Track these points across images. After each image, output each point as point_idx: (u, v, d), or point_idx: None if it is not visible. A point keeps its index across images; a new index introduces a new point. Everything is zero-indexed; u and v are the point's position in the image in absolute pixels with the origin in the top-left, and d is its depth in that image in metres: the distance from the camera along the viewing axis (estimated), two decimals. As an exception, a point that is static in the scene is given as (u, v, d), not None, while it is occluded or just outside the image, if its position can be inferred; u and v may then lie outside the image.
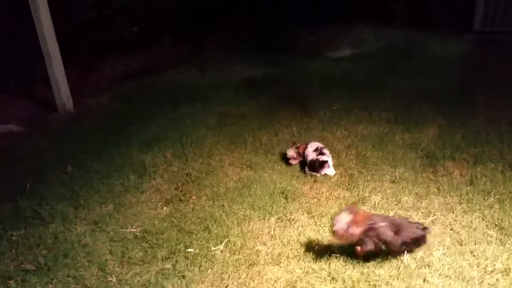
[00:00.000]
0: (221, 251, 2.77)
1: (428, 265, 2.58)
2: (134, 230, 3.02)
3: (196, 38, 8.18)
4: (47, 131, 4.84)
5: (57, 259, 2.75)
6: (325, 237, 2.84)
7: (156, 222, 3.09)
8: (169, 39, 8.00)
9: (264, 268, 2.62)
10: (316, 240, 2.83)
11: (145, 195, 3.45)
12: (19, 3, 5.33)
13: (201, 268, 2.64)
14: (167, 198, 3.40)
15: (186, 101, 5.36)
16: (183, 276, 2.58)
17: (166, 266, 2.67)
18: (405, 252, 2.62)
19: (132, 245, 2.86)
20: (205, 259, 2.70)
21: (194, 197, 3.38)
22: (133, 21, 7.64)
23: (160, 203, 3.34)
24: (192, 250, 2.78)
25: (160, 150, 4.13)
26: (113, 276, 2.61)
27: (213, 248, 2.79)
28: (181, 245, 2.82)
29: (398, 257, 2.61)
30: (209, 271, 2.62)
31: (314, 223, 3.00)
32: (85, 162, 3.98)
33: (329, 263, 2.61)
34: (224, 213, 3.13)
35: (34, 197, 3.45)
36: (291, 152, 3.77)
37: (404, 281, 2.47)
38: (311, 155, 3.64)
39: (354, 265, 2.59)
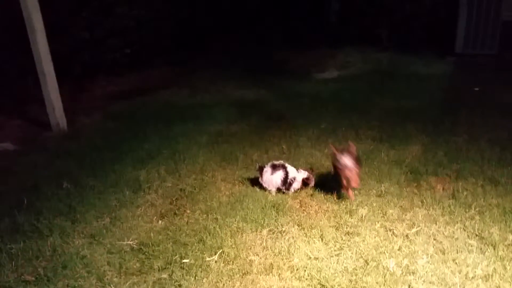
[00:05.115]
0: (216, 262, 2.87)
1: (413, 273, 2.70)
2: (131, 242, 3.10)
3: (187, 60, 8.39)
4: (42, 149, 4.91)
5: (56, 270, 2.81)
6: (315, 247, 2.97)
7: (152, 234, 3.18)
8: (161, 60, 8.19)
9: (257, 277, 2.72)
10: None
11: (140, 210, 3.55)
12: (15, 25, 5.48)
13: (196, 278, 2.73)
14: (162, 212, 3.50)
15: (179, 120, 5.51)
16: (180, 285, 2.67)
17: (162, 276, 2.76)
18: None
19: (129, 257, 2.95)
20: (200, 269, 2.79)
21: (188, 211, 3.49)
22: (125, 43, 7.83)
23: (155, 217, 3.43)
24: (187, 260, 2.87)
25: (154, 166, 4.25)
26: (111, 285, 2.68)
27: (207, 259, 2.89)
28: (176, 256, 2.91)
29: (384, 265, 2.76)
30: (204, 280, 2.71)
31: (305, 235, 3.12)
32: (81, 178, 4.07)
33: (320, 272, 2.73)
34: (217, 226, 3.23)
35: (32, 212, 3.51)
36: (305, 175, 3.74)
37: (390, 287, 2.60)
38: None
39: (343, 273, 2.72)
